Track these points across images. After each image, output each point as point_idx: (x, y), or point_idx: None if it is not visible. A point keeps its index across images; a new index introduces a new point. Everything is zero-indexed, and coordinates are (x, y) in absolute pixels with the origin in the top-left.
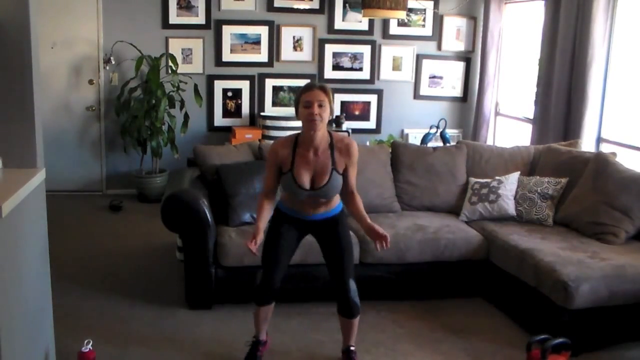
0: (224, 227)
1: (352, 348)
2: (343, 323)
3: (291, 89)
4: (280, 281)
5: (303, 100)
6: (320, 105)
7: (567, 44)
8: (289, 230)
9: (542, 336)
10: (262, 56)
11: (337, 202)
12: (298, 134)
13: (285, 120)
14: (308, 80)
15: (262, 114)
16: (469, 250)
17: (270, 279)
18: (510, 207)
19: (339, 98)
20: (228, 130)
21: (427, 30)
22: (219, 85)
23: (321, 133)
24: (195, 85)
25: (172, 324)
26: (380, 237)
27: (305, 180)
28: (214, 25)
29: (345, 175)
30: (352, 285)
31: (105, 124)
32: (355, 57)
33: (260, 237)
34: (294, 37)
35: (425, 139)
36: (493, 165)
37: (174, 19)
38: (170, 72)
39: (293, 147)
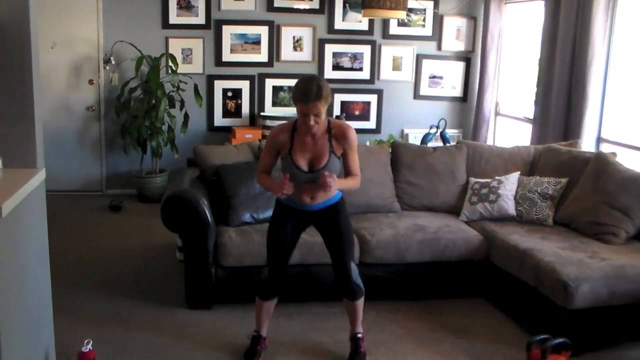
0: (224, 227)
1: (359, 335)
2: (347, 306)
3: (291, 89)
4: (284, 274)
5: (299, 109)
6: (316, 115)
7: (567, 44)
8: (291, 223)
9: (542, 336)
10: (262, 56)
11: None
12: (297, 119)
13: (285, 120)
14: None
15: (262, 114)
16: (469, 250)
17: (276, 275)
18: (510, 207)
19: (338, 98)
20: (228, 130)
21: (427, 30)
22: (219, 85)
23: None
24: (195, 85)
25: (172, 324)
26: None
27: (303, 162)
28: (214, 25)
29: (344, 158)
30: (353, 267)
31: (105, 124)
32: (355, 57)
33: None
34: (294, 37)
35: (425, 139)
36: (493, 165)
37: (174, 19)
38: (170, 72)
39: (291, 132)
